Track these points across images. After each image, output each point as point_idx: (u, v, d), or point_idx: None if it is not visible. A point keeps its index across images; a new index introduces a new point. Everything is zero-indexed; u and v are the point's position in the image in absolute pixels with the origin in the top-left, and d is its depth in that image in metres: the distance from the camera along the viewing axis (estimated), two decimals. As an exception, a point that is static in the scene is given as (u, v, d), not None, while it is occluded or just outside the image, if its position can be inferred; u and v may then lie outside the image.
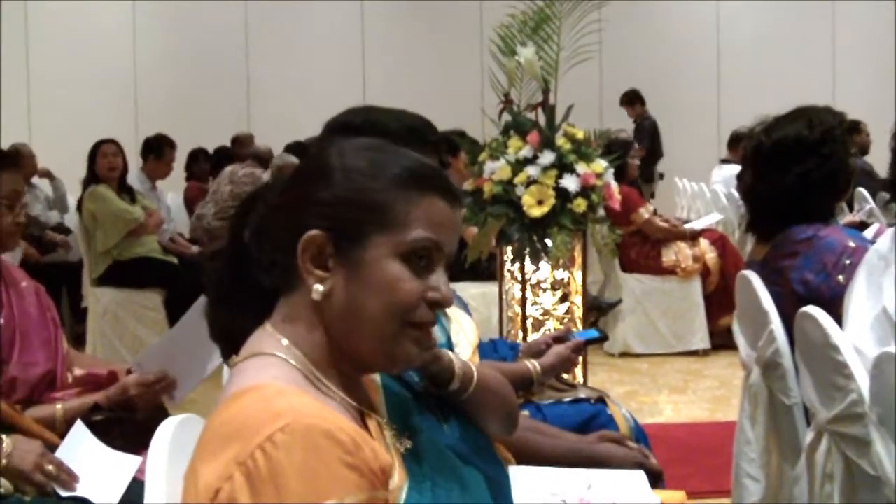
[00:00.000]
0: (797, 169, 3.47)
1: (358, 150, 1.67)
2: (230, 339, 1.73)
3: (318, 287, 1.59)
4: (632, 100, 13.58)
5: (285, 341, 1.61)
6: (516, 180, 4.67)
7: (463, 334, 2.70)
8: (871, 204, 8.69)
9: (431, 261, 1.63)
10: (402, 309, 1.61)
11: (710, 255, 8.46)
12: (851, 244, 3.36)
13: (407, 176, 1.64)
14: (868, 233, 6.49)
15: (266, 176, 8.75)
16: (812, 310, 2.94)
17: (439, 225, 1.64)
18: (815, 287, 3.33)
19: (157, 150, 9.08)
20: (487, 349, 3.28)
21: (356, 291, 1.60)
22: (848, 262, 3.27)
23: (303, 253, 1.59)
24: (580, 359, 3.29)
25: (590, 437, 3.10)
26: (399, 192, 1.62)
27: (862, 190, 8.81)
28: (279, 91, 13.47)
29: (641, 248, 8.36)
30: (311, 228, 1.59)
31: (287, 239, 1.61)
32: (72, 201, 9.25)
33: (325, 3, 13.79)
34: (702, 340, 8.33)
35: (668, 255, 8.35)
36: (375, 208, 1.60)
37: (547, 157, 4.66)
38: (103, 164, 7.93)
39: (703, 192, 10.97)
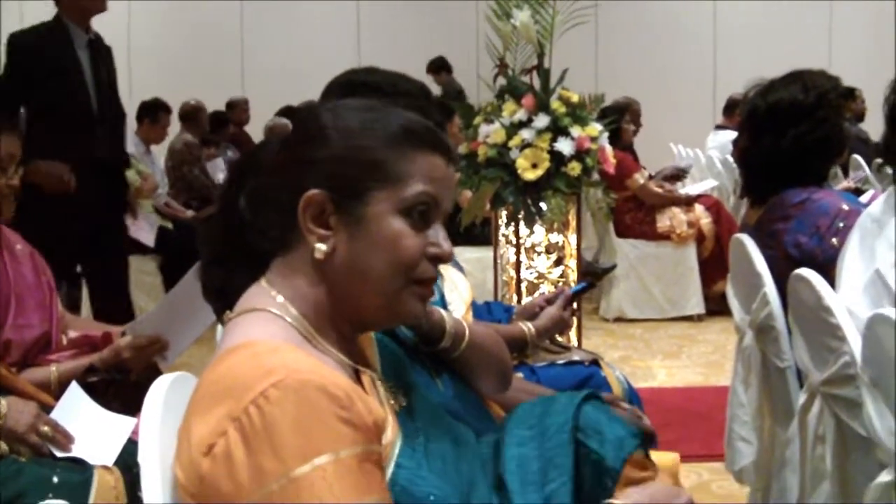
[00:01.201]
0: (792, 132, 3.46)
1: (351, 110, 1.68)
2: (223, 298, 1.74)
3: (321, 246, 1.60)
4: (437, 68, 13.40)
5: (280, 298, 1.62)
6: (511, 143, 4.66)
7: (457, 292, 2.71)
8: (866, 170, 8.70)
9: (430, 216, 1.65)
10: (406, 265, 1.62)
11: (705, 221, 8.45)
12: (845, 207, 3.36)
13: (402, 133, 1.65)
14: (862, 199, 6.50)
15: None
16: (805, 272, 2.94)
17: (436, 180, 1.65)
18: (808, 250, 3.34)
19: (153, 114, 9.05)
20: (482, 311, 3.28)
21: (359, 249, 1.61)
22: (842, 224, 3.27)
23: (303, 212, 1.60)
24: (574, 320, 3.29)
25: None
26: (395, 148, 1.63)
27: (857, 157, 8.81)
28: (274, 55, 13.44)
29: (636, 214, 8.35)
30: (310, 188, 1.60)
31: (285, 200, 1.62)
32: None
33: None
34: (696, 306, 8.33)
35: (663, 221, 8.34)
36: (374, 165, 1.61)
37: (541, 121, 4.65)
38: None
39: (698, 158, 10.96)
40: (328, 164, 1.61)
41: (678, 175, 9.52)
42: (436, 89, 13.06)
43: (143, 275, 7.68)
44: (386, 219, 1.61)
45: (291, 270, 1.64)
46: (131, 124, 9.02)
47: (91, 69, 5.60)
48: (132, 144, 8.61)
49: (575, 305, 3.27)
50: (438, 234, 1.66)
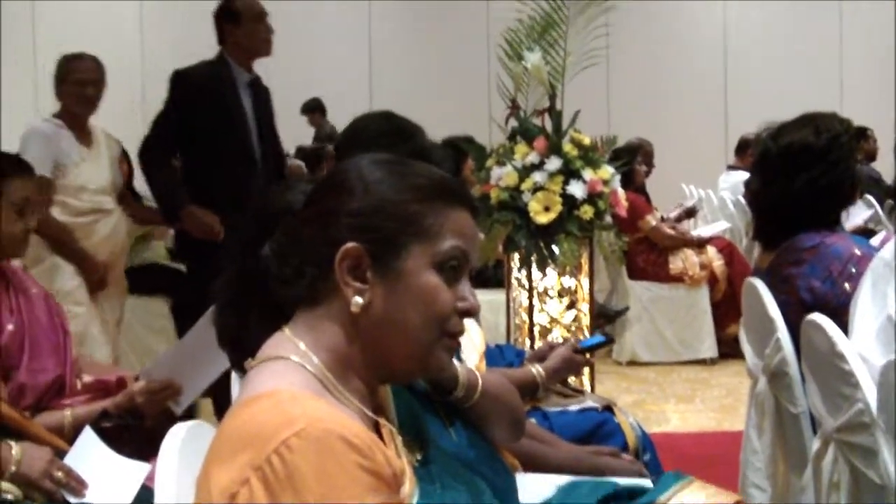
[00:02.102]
0: (804, 175, 3.46)
1: (383, 164, 1.69)
2: (239, 346, 1.74)
3: (358, 299, 1.60)
4: (311, 109, 13.41)
5: (302, 346, 1.62)
6: (523, 186, 4.67)
7: (470, 341, 2.71)
8: (878, 211, 8.69)
9: (460, 271, 1.66)
10: (440, 319, 1.63)
11: (718, 263, 8.44)
12: (858, 252, 3.36)
13: (436, 188, 1.66)
14: (875, 240, 6.49)
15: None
16: (818, 318, 2.94)
17: (466, 235, 1.66)
18: (821, 295, 3.33)
19: None
20: (494, 354, 3.29)
21: (396, 302, 1.62)
22: (854, 269, 3.27)
23: (340, 265, 1.60)
24: (586, 360, 3.29)
25: (588, 448, 3.10)
26: (430, 203, 1.64)
27: (869, 197, 8.80)
28: (287, 98, 13.47)
29: (648, 256, 8.35)
30: (346, 241, 1.60)
31: (318, 252, 1.62)
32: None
33: (332, 5, 13.82)
34: (709, 349, 8.31)
35: (676, 263, 8.34)
36: (410, 219, 1.62)
37: (553, 164, 4.66)
38: (110, 172, 7.95)
39: (710, 199, 10.96)
40: (364, 216, 1.62)
41: (690, 214, 9.54)
42: (308, 131, 13.15)
43: (154, 317, 7.67)
44: (422, 273, 1.62)
45: (319, 321, 1.64)
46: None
47: (252, 109, 5.62)
48: (144, 183, 8.62)
49: (589, 355, 3.27)
50: (466, 288, 1.67)
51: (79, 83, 5.57)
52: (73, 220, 5.45)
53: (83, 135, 5.62)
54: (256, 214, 1.79)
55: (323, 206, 1.66)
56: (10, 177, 3.37)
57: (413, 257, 1.61)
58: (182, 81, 5.60)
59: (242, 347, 1.72)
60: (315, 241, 1.63)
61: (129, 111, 13.10)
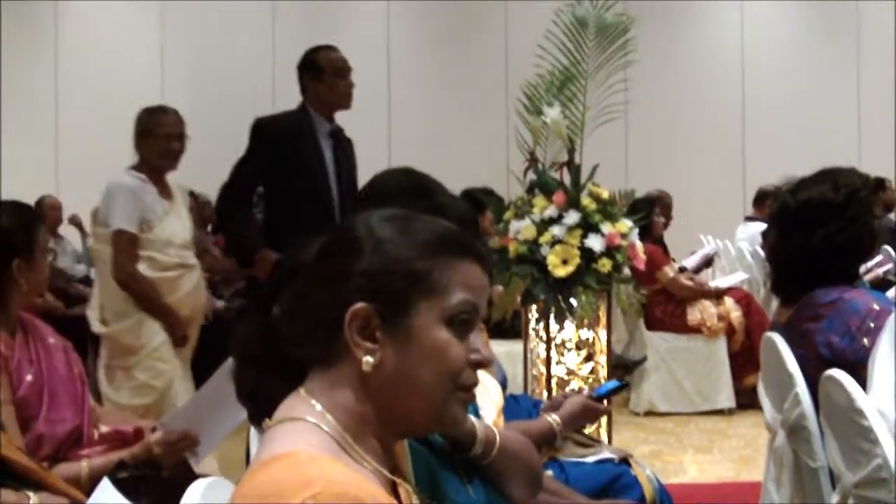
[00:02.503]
0: (822, 231, 3.46)
1: (386, 221, 1.70)
2: (257, 401, 1.75)
3: (369, 359, 1.61)
4: None
5: (319, 406, 1.63)
6: (541, 240, 4.68)
7: (487, 396, 2.72)
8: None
9: (471, 324, 1.66)
10: (453, 374, 1.64)
11: (735, 314, 8.44)
12: (876, 307, 3.34)
13: (442, 242, 1.67)
14: (892, 292, 6.47)
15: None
16: (836, 373, 2.93)
17: (475, 288, 1.67)
18: (839, 350, 3.32)
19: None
20: (510, 404, 3.29)
21: (407, 360, 1.62)
22: (873, 324, 3.26)
23: (349, 326, 1.61)
24: (603, 407, 3.29)
25: (604, 502, 3.09)
26: (437, 258, 1.65)
27: (888, 248, 8.78)
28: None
29: (666, 307, 8.35)
30: (354, 301, 1.61)
31: (327, 313, 1.63)
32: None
33: (351, 55, 13.89)
34: (727, 399, 8.29)
35: (693, 314, 8.33)
36: (418, 276, 1.63)
37: (572, 217, 4.68)
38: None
39: (727, 250, 10.95)
40: (371, 276, 1.63)
41: (708, 262, 9.54)
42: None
43: (171, 364, 7.68)
44: (432, 329, 1.62)
45: (333, 381, 1.64)
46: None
47: (333, 159, 5.65)
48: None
49: (606, 402, 3.27)
50: (478, 340, 1.67)
51: (164, 137, 5.58)
52: (159, 275, 5.41)
53: (164, 188, 5.62)
54: (275, 270, 1.80)
55: (331, 265, 1.67)
56: (38, 225, 3.42)
57: (422, 314, 1.62)
58: (262, 129, 5.65)
59: (261, 402, 1.72)
60: (324, 302, 1.64)
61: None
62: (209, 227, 10.21)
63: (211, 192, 10.64)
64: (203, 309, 5.93)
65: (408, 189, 2.69)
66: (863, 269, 5.96)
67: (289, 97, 14.19)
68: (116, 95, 13.54)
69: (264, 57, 13.98)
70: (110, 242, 5.34)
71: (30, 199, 9.41)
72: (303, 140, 5.54)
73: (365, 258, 1.64)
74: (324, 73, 5.65)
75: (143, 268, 5.36)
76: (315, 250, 1.71)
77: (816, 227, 3.47)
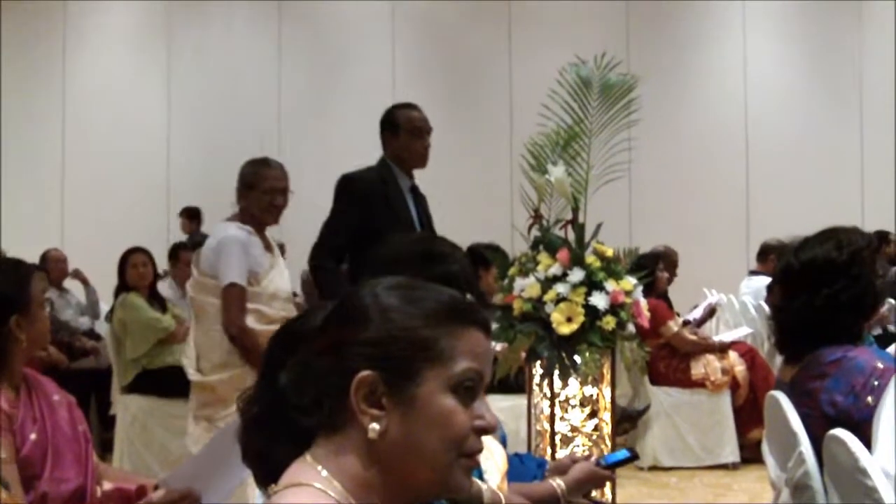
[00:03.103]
0: (825, 291, 3.48)
1: (392, 290, 1.71)
2: (264, 464, 1.76)
3: (375, 426, 1.62)
4: (191, 215, 13.15)
5: (325, 472, 1.64)
6: (546, 298, 4.69)
7: (492, 461, 2.72)
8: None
9: (476, 391, 1.68)
10: (458, 441, 1.65)
11: (739, 368, 8.44)
12: (880, 365, 3.36)
13: (447, 310, 1.68)
14: (893, 348, 6.47)
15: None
16: (840, 433, 2.94)
17: (480, 355, 1.69)
18: (844, 409, 3.33)
19: (175, 255, 9.11)
20: (515, 464, 3.28)
21: (413, 427, 1.63)
22: (877, 383, 3.27)
23: (356, 394, 1.62)
24: (609, 475, 3.28)
25: None
26: (441, 326, 1.66)
27: (892, 301, 8.78)
28: (310, 199, 13.52)
29: (670, 361, 8.35)
30: (360, 370, 1.62)
31: (333, 382, 1.64)
32: (105, 308, 9.29)
33: (356, 113, 13.94)
34: (731, 454, 8.27)
35: (698, 368, 8.34)
36: (423, 344, 1.64)
37: (576, 275, 4.69)
38: (133, 273, 8.03)
39: (732, 304, 10.95)
40: (377, 344, 1.64)
41: (712, 312, 9.54)
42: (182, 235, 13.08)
43: (172, 418, 7.67)
44: (437, 397, 1.63)
45: (339, 448, 1.65)
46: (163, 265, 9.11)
47: (416, 214, 5.73)
48: (168, 287, 8.69)
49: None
50: (482, 406, 1.69)
51: (271, 191, 5.59)
52: (265, 328, 5.37)
53: (266, 241, 5.64)
54: (281, 335, 1.81)
55: (337, 334, 1.68)
56: (32, 278, 3.42)
57: (427, 382, 1.63)
58: (350, 185, 5.74)
59: (267, 465, 1.74)
60: (330, 371, 1.65)
61: (154, 217, 13.27)
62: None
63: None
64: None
65: (418, 255, 2.70)
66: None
67: (294, 144, 14.38)
68: (123, 147, 13.65)
69: (270, 105, 14.09)
70: (219, 295, 5.34)
71: (35, 252, 9.51)
72: (389, 193, 5.63)
73: (371, 326, 1.65)
74: (400, 131, 5.75)
75: (250, 321, 5.35)
76: (321, 318, 1.73)
77: (821, 287, 3.49)
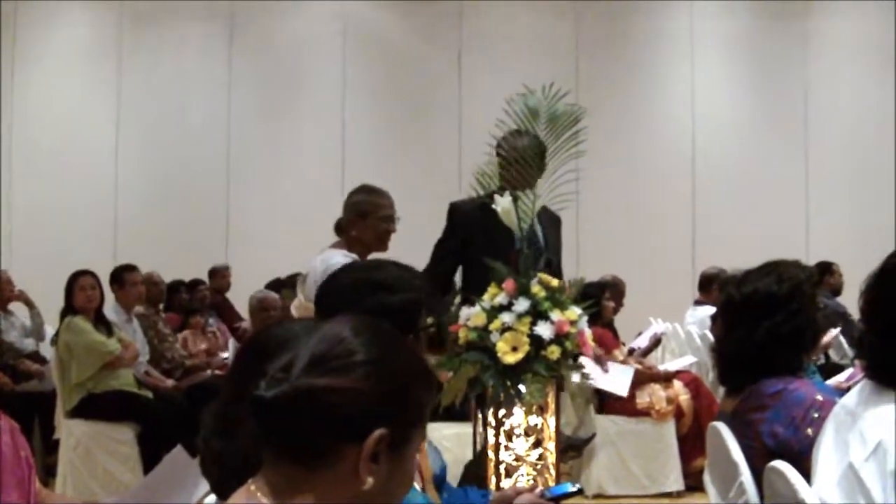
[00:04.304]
0: (766, 323, 3.54)
1: (385, 342, 1.69)
2: (222, 474, 1.76)
3: (371, 480, 1.60)
4: None
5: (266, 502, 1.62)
6: (491, 327, 4.70)
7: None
8: (844, 346, 8.78)
9: None
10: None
11: (684, 397, 8.49)
12: (820, 397, 3.41)
13: (429, 374, 1.72)
14: (842, 376, 6.53)
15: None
16: (780, 464, 2.98)
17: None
18: (784, 440, 3.38)
19: (119, 279, 9.01)
20: (459, 495, 3.29)
21: (391, 484, 1.64)
22: (816, 415, 3.32)
23: (370, 449, 1.59)
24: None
25: None
26: (427, 391, 1.70)
27: (834, 331, 8.85)
28: (259, 224, 13.50)
29: (615, 390, 8.40)
30: (370, 423, 1.60)
31: (335, 425, 1.60)
32: (50, 330, 9.22)
33: (305, 142, 13.94)
34: (675, 482, 8.31)
35: (642, 397, 8.38)
36: (420, 408, 1.68)
37: (522, 305, 4.70)
38: (80, 296, 7.97)
39: (677, 333, 11.02)
40: (385, 402, 1.62)
41: (658, 341, 9.61)
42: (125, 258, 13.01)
43: (117, 444, 7.64)
44: (413, 456, 1.68)
45: (294, 484, 1.62)
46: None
47: (542, 237, 5.75)
48: (113, 312, 8.63)
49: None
50: None
51: (386, 219, 5.76)
52: None
53: None
54: (256, 346, 1.77)
55: (333, 381, 1.62)
56: None
57: (414, 442, 1.67)
58: (453, 212, 5.87)
59: (226, 474, 1.74)
60: (335, 417, 1.60)
61: (101, 241, 13.17)
62: (161, 306, 10.19)
63: (164, 267, 10.70)
64: None
65: (363, 284, 2.72)
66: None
67: (243, 172, 14.29)
68: (70, 168, 13.55)
69: (220, 127, 14.03)
70: None
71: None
72: (492, 221, 5.58)
73: (376, 383, 1.62)
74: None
75: None
76: (306, 360, 1.65)
77: (761, 320, 3.55)
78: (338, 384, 1.61)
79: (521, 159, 5.36)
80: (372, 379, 1.62)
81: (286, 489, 1.63)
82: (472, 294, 5.26)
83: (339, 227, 5.58)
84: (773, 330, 3.54)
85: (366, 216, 5.69)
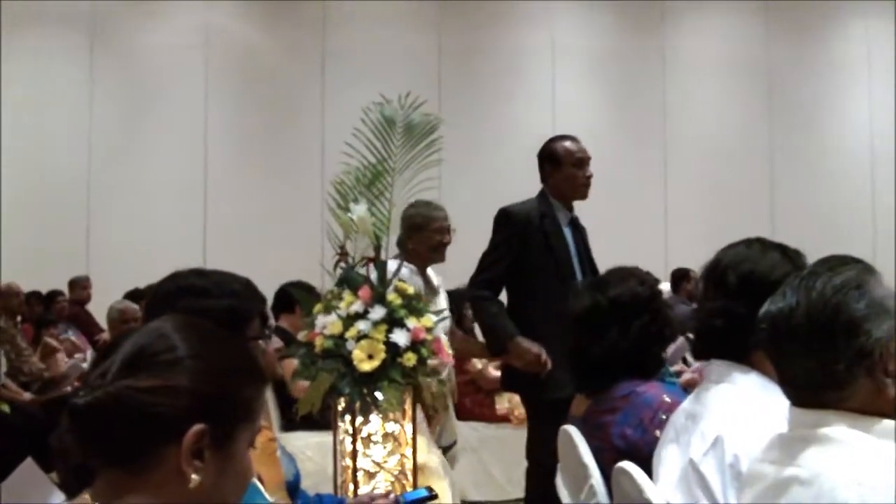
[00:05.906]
0: (637, 324, 3.65)
1: (206, 339, 1.71)
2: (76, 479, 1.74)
3: (196, 477, 1.61)
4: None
5: None
6: (347, 335, 4.71)
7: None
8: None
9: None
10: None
11: (543, 402, 8.57)
12: (667, 399, 3.50)
13: (257, 370, 1.73)
14: (692, 369, 6.67)
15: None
16: (627, 465, 3.05)
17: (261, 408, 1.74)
18: (633, 441, 3.45)
19: None
20: (313, 502, 3.31)
21: (222, 481, 1.65)
22: (664, 416, 3.39)
23: (188, 446, 1.61)
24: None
25: None
26: (254, 386, 1.72)
27: (684, 338, 9.04)
28: (120, 235, 13.30)
29: (475, 396, 8.46)
30: (188, 420, 1.61)
31: (152, 426, 1.61)
32: None
33: (167, 152, 13.76)
34: (537, 487, 8.40)
35: (502, 403, 8.46)
36: (245, 404, 1.68)
37: (377, 312, 4.72)
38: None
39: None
40: (205, 399, 1.63)
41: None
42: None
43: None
44: (245, 454, 1.68)
45: (122, 489, 1.63)
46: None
47: (575, 247, 5.76)
48: None
49: None
50: None
51: (440, 231, 5.94)
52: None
53: (427, 280, 5.84)
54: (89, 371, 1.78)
55: (157, 378, 1.63)
56: None
57: (241, 440, 1.68)
58: (510, 218, 5.82)
59: (70, 472, 1.73)
60: (149, 415, 1.61)
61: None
62: (19, 318, 10.00)
63: (24, 279, 10.49)
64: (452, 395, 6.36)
65: (183, 289, 2.72)
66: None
67: (105, 182, 14.04)
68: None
69: (80, 141, 13.80)
70: None
71: None
72: (547, 226, 5.68)
73: (195, 378, 1.64)
74: (563, 164, 5.87)
75: None
76: (120, 363, 1.66)
77: (632, 321, 3.65)
78: (152, 384, 1.62)
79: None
80: (190, 375, 1.63)
81: (114, 494, 1.63)
82: (524, 303, 5.58)
83: (400, 242, 5.65)
84: (643, 329, 3.66)
85: (420, 229, 5.87)
